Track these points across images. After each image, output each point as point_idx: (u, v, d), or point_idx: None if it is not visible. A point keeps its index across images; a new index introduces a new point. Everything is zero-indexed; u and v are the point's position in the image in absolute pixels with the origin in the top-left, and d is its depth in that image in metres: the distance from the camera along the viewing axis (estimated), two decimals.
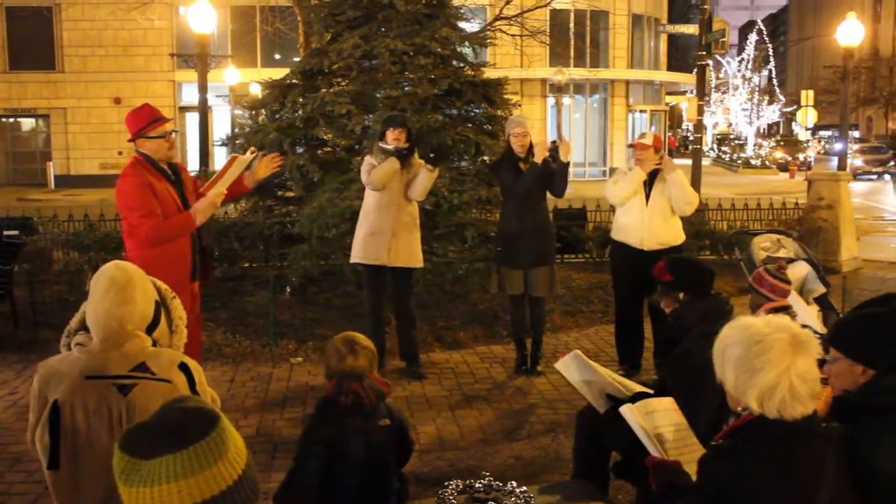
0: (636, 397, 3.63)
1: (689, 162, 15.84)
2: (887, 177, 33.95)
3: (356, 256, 6.54)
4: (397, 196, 6.42)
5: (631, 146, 6.78)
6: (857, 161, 34.91)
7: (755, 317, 2.42)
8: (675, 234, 6.57)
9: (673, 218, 6.56)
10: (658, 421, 3.03)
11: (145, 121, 4.87)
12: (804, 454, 2.24)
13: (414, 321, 6.76)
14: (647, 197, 6.47)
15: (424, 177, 6.41)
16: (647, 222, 6.46)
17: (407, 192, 6.47)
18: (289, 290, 8.56)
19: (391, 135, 6.39)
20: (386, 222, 6.37)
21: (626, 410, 3.06)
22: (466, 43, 9.43)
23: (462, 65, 9.14)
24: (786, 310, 4.59)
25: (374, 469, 3.27)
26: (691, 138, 25.35)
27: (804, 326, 2.56)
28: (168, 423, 1.59)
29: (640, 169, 6.46)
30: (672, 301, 4.35)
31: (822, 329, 5.06)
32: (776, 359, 2.22)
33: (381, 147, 6.45)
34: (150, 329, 2.91)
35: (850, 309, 2.78)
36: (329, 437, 3.21)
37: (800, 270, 6.20)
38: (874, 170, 35.60)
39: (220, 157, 24.08)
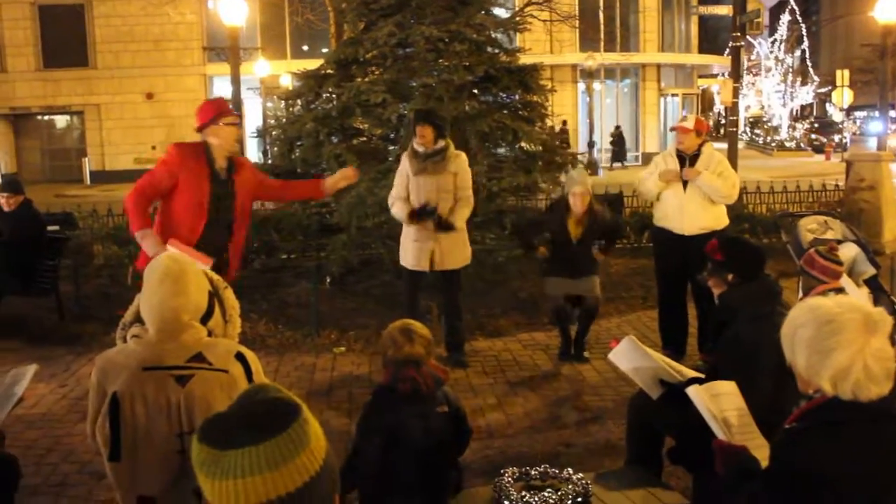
0: (690, 382, 3.58)
1: (723, 146, 15.65)
2: None
3: (402, 259, 6.51)
4: (435, 201, 6.22)
5: (673, 129, 6.69)
6: (892, 142, 34.06)
7: (824, 297, 2.37)
8: (716, 218, 6.48)
9: (713, 202, 6.48)
10: (724, 404, 2.99)
11: (217, 110, 4.98)
12: (881, 436, 2.19)
13: (460, 314, 6.71)
14: (685, 183, 6.39)
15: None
16: (686, 207, 6.39)
17: (443, 195, 6.24)
18: (328, 280, 8.58)
19: (419, 132, 6.21)
20: (426, 230, 6.26)
21: (693, 392, 3.01)
22: (501, 29, 9.37)
23: (497, 51, 9.08)
24: (839, 292, 4.52)
25: (431, 456, 3.25)
26: (724, 121, 25.00)
27: None
28: (249, 414, 1.57)
29: (659, 180, 6.44)
30: (720, 282, 4.25)
31: None
32: (849, 339, 2.16)
33: (413, 149, 6.31)
34: (205, 319, 2.92)
35: None
36: (387, 425, 3.20)
37: (848, 252, 6.09)
38: None
39: (251, 149, 24.24)
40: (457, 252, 6.40)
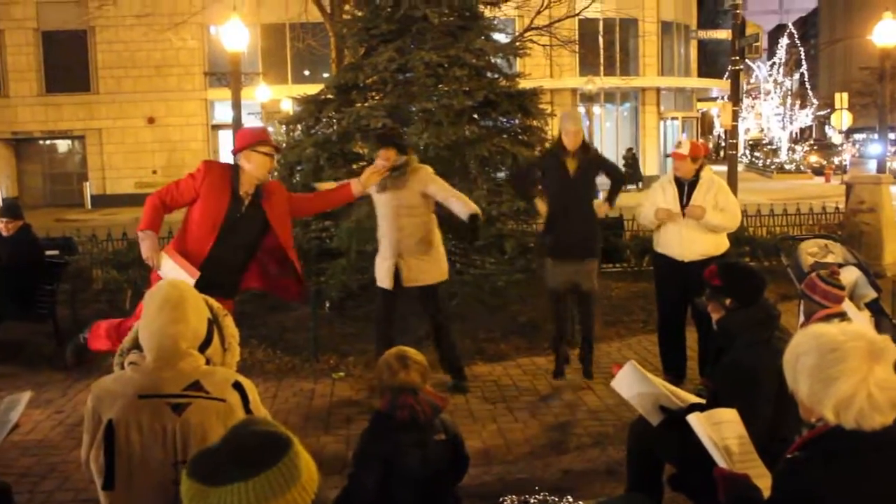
0: (691, 409, 3.55)
1: (723, 168, 15.68)
2: None
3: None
4: (394, 219, 6.13)
5: (668, 156, 6.70)
6: (894, 165, 33.53)
7: (828, 324, 2.34)
8: (716, 244, 6.45)
9: (730, 227, 6.50)
10: (725, 432, 2.96)
11: (259, 137, 5.05)
12: (884, 466, 2.15)
13: (446, 332, 6.52)
14: (684, 208, 6.38)
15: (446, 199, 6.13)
16: (686, 234, 6.38)
17: (406, 212, 6.10)
18: (328, 304, 8.55)
19: (382, 155, 5.98)
20: (390, 247, 6.19)
21: (694, 420, 2.98)
22: (500, 54, 9.40)
23: (496, 76, 9.11)
24: (841, 316, 4.49)
25: (429, 485, 3.22)
26: (724, 144, 25.05)
27: None
28: (238, 449, 1.54)
29: (654, 218, 6.44)
30: (719, 307, 4.22)
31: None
32: (853, 368, 2.13)
33: None
34: (203, 347, 2.89)
35: None
36: (385, 453, 3.17)
37: (850, 275, 6.06)
38: None
39: None
40: (425, 267, 6.19)
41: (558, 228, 6.65)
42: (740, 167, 29.35)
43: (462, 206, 6.02)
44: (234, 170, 5.02)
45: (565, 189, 6.56)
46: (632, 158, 32.71)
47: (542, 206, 6.72)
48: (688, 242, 6.36)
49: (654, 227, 6.56)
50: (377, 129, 7.09)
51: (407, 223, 6.12)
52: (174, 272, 4.77)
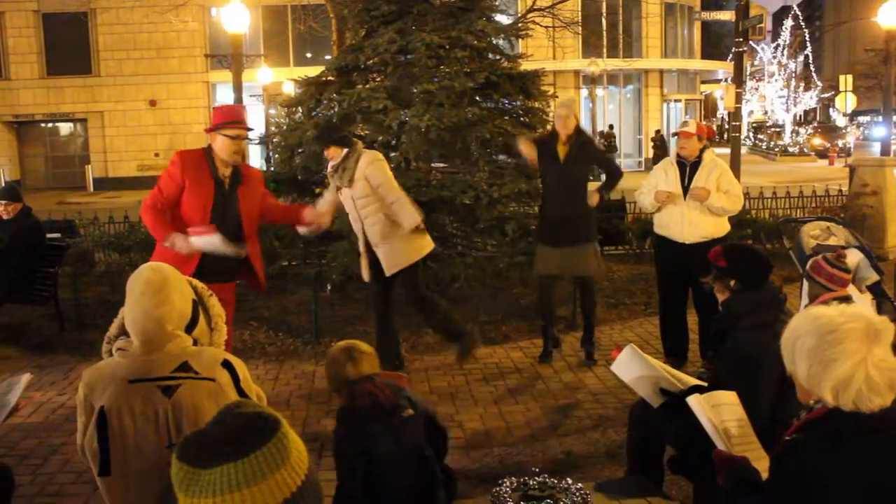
0: (691, 391, 3.55)
1: (726, 151, 15.62)
2: None
3: None
4: (355, 212, 6.06)
5: (675, 135, 6.65)
6: None
7: (826, 306, 2.32)
8: (717, 226, 6.40)
9: (733, 210, 6.46)
10: (724, 414, 2.95)
11: (226, 118, 4.99)
12: (882, 448, 2.14)
13: (425, 304, 6.30)
14: (685, 190, 6.35)
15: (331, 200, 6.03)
16: (687, 216, 6.34)
17: (362, 203, 5.99)
18: (329, 287, 8.55)
19: (327, 155, 6.04)
20: (361, 241, 6.17)
21: (693, 402, 2.97)
22: (502, 35, 9.34)
23: (498, 57, 9.06)
24: (847, 300, 4.46)
25: (410, 462, 3.21)
26: (728, 127, 24.96)
27: None
28: (226, 431, 1.55)
29: (654, 200, 6.41)
30: (724, 288, 4.20)
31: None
32: (851, 349, 2.12)
33: (330, 168, 6.13)
34: (190, 328, 2.88)
35: None
36: (360, 448, 3.14)
37: (852, 258, 6.03)
38: None
39: (254, 156, 24.25)
40: (400, 250, 6.02)
41: (548, 213, 6.68)
42: (744, 150, 29.22)
43: (406, 217, 5.90)
44: (208, 153, 4.97)
45: (556, 174, 6.57)
46: (660, 140, 32.61)
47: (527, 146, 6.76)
48: (689, 225, 6.33)
49: (654, 209, 6.51)
50: (316, 136, 6.79)
51: (367, 213, 5.99)
52: (206, 242, 4.80)
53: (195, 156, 5.00)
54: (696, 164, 6.37)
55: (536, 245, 6.83)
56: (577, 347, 7.00)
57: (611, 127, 32.96)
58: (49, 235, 8.50)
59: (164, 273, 2.79)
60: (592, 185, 6.77)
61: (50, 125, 33.93)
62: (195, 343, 2.81)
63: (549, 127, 8.75)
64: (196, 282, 2.98)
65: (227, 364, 2.76)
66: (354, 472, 3.14)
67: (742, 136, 18.91)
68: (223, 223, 4.94)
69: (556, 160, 6.53)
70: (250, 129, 5.20)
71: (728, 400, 3.05)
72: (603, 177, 7.07)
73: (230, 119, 5.00)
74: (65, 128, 34.36)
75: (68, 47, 31.82)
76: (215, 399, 2.64)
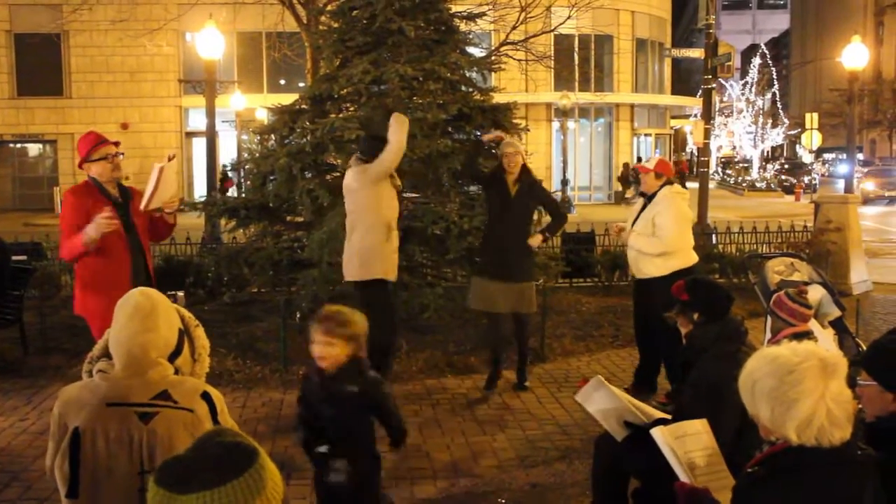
0: (655, 424, 3.59)
1: (695, 185, 15.83)
2: None
3: None
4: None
5: (634, 169, 6.83)
6: (868, 185, 33.28)
7: (777, 346, 2.38)
8: (657, 267, 6.41)
9: (651, 252, 6.47)
10: (689, 445, 2.99)
11: (90, 145, 5.12)
12: (842, 481, 2.20)
13: (384, 328, 6.21)
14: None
15: None
16: (631, 253, 6.61)
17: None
18: (298, 315, 8.52)
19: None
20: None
21: (657, 433, 3.02)
22: (475, 68, 9.44)
23: (471, 90, 9.15)
24: (808, 335, 4.55)
25: (342, 424, 3.66)
26: (697, 161, 25.28)
27: None
28: (206, 458, 1.56)
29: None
30: (687, 321, 4.30)
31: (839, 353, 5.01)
32: (810, 387, 2.18)
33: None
34: (173, 357, 2.88)
35: (886, 333, 2.74)
36: (306, 406, 3.79)
37: (815, 294, 6.15)
38: (887, 194, 33.29)
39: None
40: (349, 265, 6.39)
41: (490, 248, 6.77)
42: (712, 184, 29.63)
43: None
44: (93, 181, 5.13)
45: (503, 209, 6.68)
46: (679, 172, 33.19)
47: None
48: (632, 261, 6.60)
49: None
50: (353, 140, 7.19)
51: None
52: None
53: (82, 187, 5.18)
54: (651, 198, 6.55)
55: (473, 277, 6.89)
56: (546, 379, 7.04)
57: (676, 163, 33.44)
58: (15, 258, 8.42)
59: (154, 300, 2.80)
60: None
61: (19, 146, 33.61)
62: (177, 372, 2.82)
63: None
64: (184, 311, 2.98)
65: (206, 396, 2.77)
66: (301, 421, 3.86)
67: (710, 171, 19.18)
68: (133, 244, 5.10)
69: (507, 196, 6.65)
70: (117, 143, 5.33)
71: (695, 429, 3.09)
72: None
73: (94, 143, 5.13)
74: (34, 149, 34.04)
75: (40, 68, 31.61)
76: (191, 430, 2.64)
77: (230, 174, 21.21)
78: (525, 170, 6.72)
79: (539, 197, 6.97)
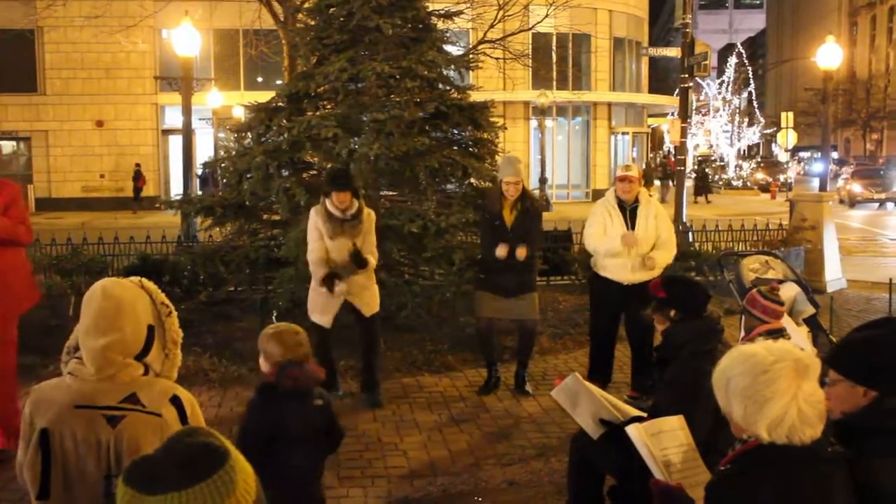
0: (631, 421, 3.61)
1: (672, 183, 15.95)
2: (891, 205, 30.71)
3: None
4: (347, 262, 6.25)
5: (621, 179, 6.67)
6: (855, 187, 31.55)
7: (753, 344, 2.40)
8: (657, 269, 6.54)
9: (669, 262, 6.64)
10: (665, 442, 3.01)
11: None
12: (812, 478, 2.22)
13: (376, 343, 6.74)
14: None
15: None
16: (635, 262, 6.48)
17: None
18: (275, 313, 8.48)
19: (337, 198, 6.08)
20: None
21: (632, 431, 3.03)
22: (452, 66, 9.43)
23: (448, 88, 9.14)
24: (780, 332, 4.60)
25: (308, 445, 3.52)
26: (674, 160, 25.44)
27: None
28: (175, 459, 1.55)
29: (622, 244, 6.44)
30: (663, 318, 4.31)
31: (812, 350, 5.06)
32: (783, 387, 2.20)
33: (328, 211, 6.17)
34: (142, 355, 2.83)
35: (851, 330, 2.76)
36: (270, 425, 3.43)
37: (789, 291, 6.22)
38: (876, 196, 30.98)
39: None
40: (375, 297, 6.59)
41: (492, 272, 6.69)
42: (689, 183, 29.84)
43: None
44: None
45: (502, 237, 6.58)
46: (703, 172, 34.10)
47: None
48: (632, 270, 6.50)
49: (614, 254, 6.52)
50: (334, 169, 7.09)
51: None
52: None
53: None
54: (635, 207, 6.52)
55: (477, 292, 6.88)
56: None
57: (700, 163, 33.84)
58: None
59: (118, 299, 2.71)
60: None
61: None
62: (147, 370, 2.77)
63: (497, 157, 8.89)
64: (160, 296, 2.89)
65: (175, 400, 2.72)
66: (253, 448, 3.28)
67: (687, 170, 19.29)
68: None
69: (503, 227, 6.60)
70: None
71: (671, 426, 3.11)
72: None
73: None
74: (7, 146, 33.61)
75: (14, 64, 31.17)
76: (159, 434, 2.60)
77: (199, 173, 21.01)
78: (524, 195, 6.67)
79: (530, 224, 6.72)
